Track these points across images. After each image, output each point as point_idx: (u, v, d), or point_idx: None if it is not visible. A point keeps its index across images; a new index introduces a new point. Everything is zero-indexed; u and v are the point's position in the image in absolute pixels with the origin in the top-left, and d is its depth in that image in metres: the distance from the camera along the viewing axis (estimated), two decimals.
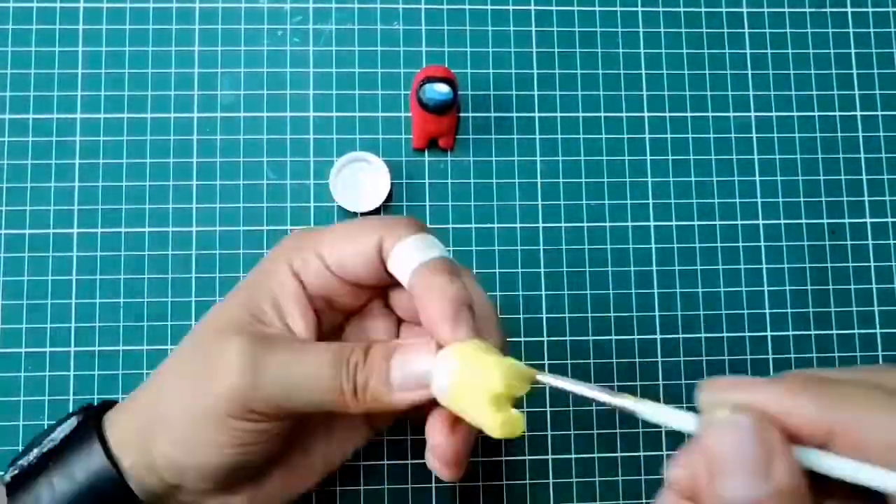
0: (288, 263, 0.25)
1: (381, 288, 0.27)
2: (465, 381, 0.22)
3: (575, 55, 0.38)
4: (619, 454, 0.35)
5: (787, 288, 0.37)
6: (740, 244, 0.37)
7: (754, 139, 0.38)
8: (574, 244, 0.36)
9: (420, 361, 0.23)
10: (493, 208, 0.36)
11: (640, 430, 0.35)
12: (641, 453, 0.35)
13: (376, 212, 0.35)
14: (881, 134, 0.38)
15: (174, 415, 0.25)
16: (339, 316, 0.27)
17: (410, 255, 0.24)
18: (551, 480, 0.35)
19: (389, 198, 0.35)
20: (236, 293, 0.26)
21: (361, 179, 0.36)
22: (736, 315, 0.36)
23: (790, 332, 0.36)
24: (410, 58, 0.37)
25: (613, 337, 0.36)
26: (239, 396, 0.23)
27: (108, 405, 0.27)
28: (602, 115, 0.37)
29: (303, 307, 0.25)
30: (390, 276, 0.25)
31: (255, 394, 0.23)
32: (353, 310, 0.27)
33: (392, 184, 0.35)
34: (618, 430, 0.35)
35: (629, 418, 0.35)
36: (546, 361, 0.35)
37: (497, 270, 0.36)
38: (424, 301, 0.23)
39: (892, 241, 0.37)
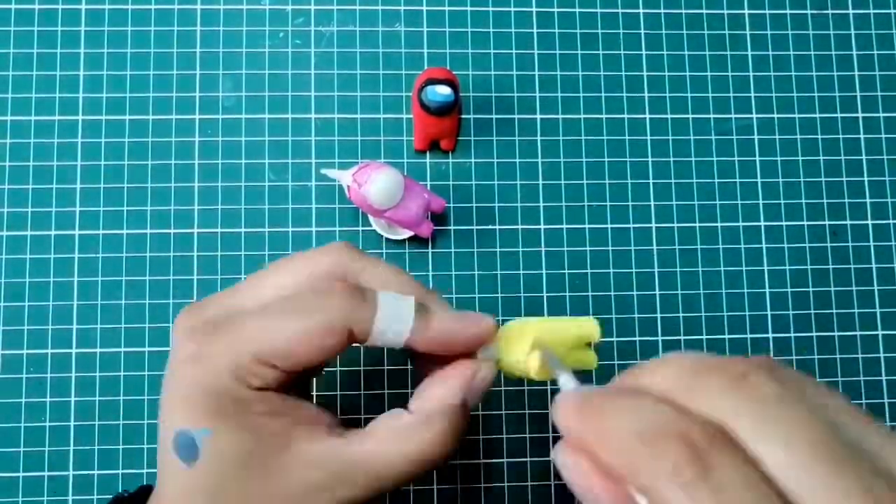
0: (247, 385, 0.23)
1: None
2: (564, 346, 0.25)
3: (576, 57, 0.38)
4: None
5: (789, 290, 0.37)
6: (742, 246, 0.37)
7: (756, 141, 0.38)
8: (576, 246, 0.36)
9: (480, 384, 0.25)
10: (495, 210, 0.36)
11: None
12: None
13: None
14: (882, 135, 0.38)
15: None
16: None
17: (392, 326, 0.23)
18: (552, 482, 0.35)
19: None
20: (210, 420, 0.23)
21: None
22: (737, 317, 0.36)
23: (792, 334, 0.36)
24: (412, 60, 0.37)
25: (615, 339, 0.36)
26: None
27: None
28: (604, 116, 0.37)
29: (277, 396, 0.24)
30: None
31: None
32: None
33: None
34: None
35: None
36: None
37: (499, 272, 0.36)
38: (446, 342, 0.24)
39: (893, 243, 0.37)
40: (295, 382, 0.24)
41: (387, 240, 0.36)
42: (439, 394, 0.25)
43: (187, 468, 0.22)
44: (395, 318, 0.24)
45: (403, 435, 0.24)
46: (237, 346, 0.23)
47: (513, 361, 0.24)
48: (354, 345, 0.24)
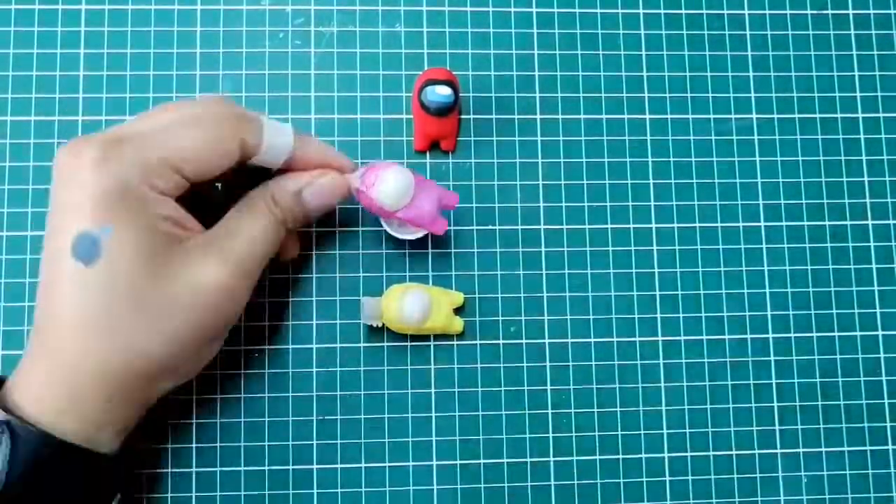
0: (149, 185, 0.26)
1: None
2: (434, 303, 0.34)
3: (577, 57, 0.38)
4: (619, 456, 0.35)
5: (789, 290, 0.37)
6: (742, 246, 0.37)
7: (756, 141, 0.38)
8: (576, 246, 0.36)
9: (328, 188, 0.31)
10: (495, 210, 0.36)
11: (642, 432, 0.35)
12: (643, 455, 0.35)
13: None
14: (883, 136, 0.38)
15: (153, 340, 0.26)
16: None
17: (276, 145, 0.29)
18: (552, 482, 0.35)
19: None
20: (113, 219, 0.25)
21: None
22: (737, 317, 0.36)
23: (792, 335, 0.36)
24: (412, 60, 0.37)
25: (615, 339, 0.36)
26: (246, 298, 0.29)
27: None
28: (604, 117, 0.37)
29: (176, 206, 0.27)
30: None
31: (243, 277, 0.29)
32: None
33: None
34: (619, 433, 0.35)
35: (632, 425, 0.35)
36: (548, 364, 0.35)
37: (499, 272, 0.36)
38: (320, 159, 0.31)
39: (893, 243, 0.37)
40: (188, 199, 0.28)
41: (386, 241, 0.36)
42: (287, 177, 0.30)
43: (86, 268, 0.24)
44: (279, 134, 0.29)
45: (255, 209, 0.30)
46: (145, 151, 0.25)
47: (394, 310, 0.33)
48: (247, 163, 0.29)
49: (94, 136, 0.26)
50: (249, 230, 0.29)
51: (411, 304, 0.33)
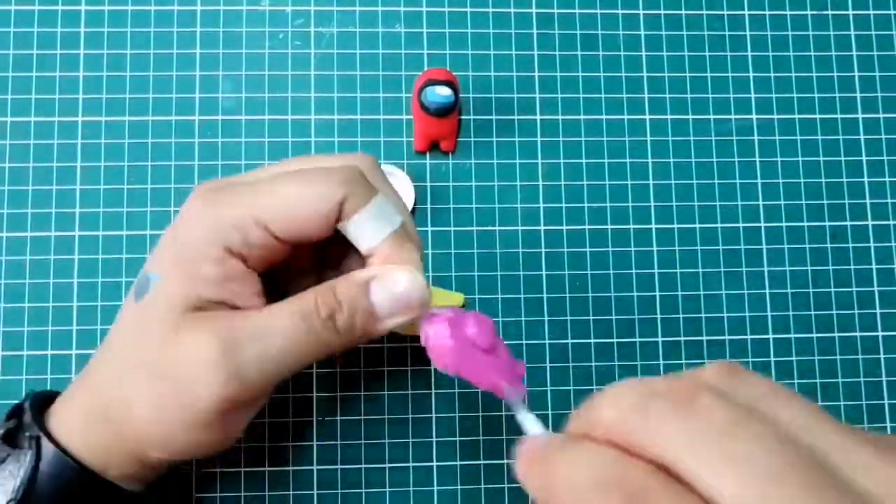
0: (223, 240, 0.23)
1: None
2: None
3: (576, 57, 0.38)
4: None
5: (789, 291, 0.37)
6: (742, 247, 0.37)
7: (756, 141, 0.38)
8: (576, 247, 0.36)
9: (406, 287, 0.24)
10: (495, 210, 0.36)
11: None
12: None
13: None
14: (882, 136, 0.38)
15: (148, 418, 0.24)
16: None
17: (373, 225, 0.24)
18: None
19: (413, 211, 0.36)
20: (170, 268, 0.24)
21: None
22: (738, 318, 0.36)
23: (792, 335, 0.36)
24: (412, 61, 0.37)
25: (615, 340, 0.36)
26: (227, 399, 0.23)
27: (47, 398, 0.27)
28: (604, 117, 0.37)
29: (250, 279, 0.24)
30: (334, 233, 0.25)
31: (242, 390, 0.23)
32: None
33: None
34: None
35: None
36: (548, 364, 0.35)
37: (499, 273, 0.36)
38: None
39: (893, 244, 0.37)
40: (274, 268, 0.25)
41: None
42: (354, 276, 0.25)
43: (133, 302, 0.25)
44: (380, 218, 0.24)
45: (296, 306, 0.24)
46: (235, 200, 0.24)
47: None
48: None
49: (209, 184, 0.26)
50: (274, 326, 0.23)
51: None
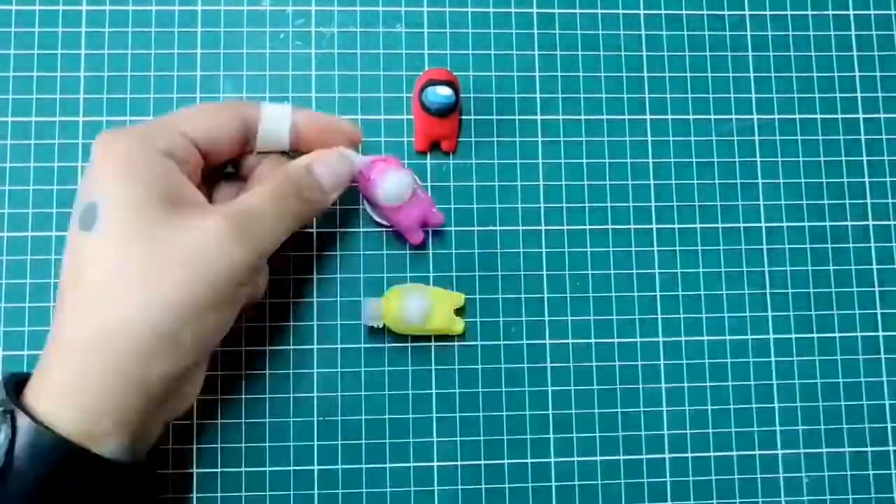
0: (159, 149, 0.27)
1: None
2: (435, 304, 0.35)
3: (577, 57, 0.38)
4: (620, 457, 0.35)
5: (790, 291, 0.37)
6: (742, 247, 0.37)
7: (757, 142, 0.38)
8: (576, 247, 0.36)
9: (336, 162, 0.31)
10: (496, 211, 0.36)
11: (643, 433, 0.35)
12: (644, 456, 0.35)
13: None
14: (883, 136, 0.38)
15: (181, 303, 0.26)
16: None
17: (276, 114, 0.31)
18: (553, 483, 0.35)
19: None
20: (116, 186, 0.26)
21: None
22: (738, 318, 0.36)
23: (793, 335, 0.36)
24: (413, 61, 0.37)
25: (616, 340, 0.36)
26: (250, 265, 0.27)
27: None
28: (604, 117, 0.37)
29: (189, 179, 0.28)
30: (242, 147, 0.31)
31: (258, 259, 0.28)
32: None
33: None
34: (620, 434, 0.35)
35: (632, 425, 0.35)
36: (549, 364, 0.35)
37: (500, 273, 0.36)
38: (325, 129, 0.32)
39: (894, 244, 0.37)
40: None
41: (388, 239, 0.36)
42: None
43: (86, 234, 0.25)
44: (277, 108, 0.31)
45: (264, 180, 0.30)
46: (160, 126, 0.28)
47: (395, 310, 0.33)
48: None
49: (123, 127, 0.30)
50: (261, 195, 0.29)
51: (411, 305, 0.33)
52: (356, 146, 0.33)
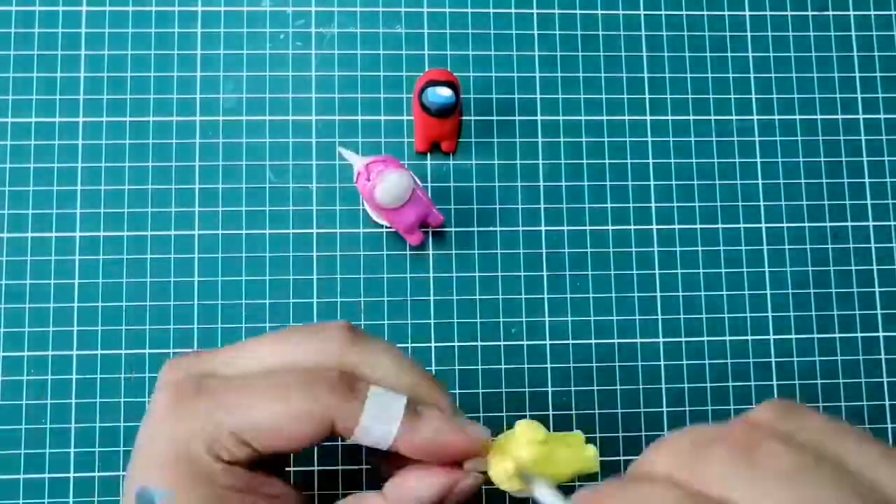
0: (215, 456, 0.22)
1: None
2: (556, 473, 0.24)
3: (577, 58, 0.38)
4: (621, 458, 0.35)
5: (790, 291, 0.37)
6: (742, 248, 0.37)
7: (757, 142, 0.38)
8: (576, 247, 0.36)
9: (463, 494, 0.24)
10: (496, 211, 0.36)
11: (643, 434, 0.35)
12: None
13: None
14: (883, 137, 0.38)
15: None
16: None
17: (379, 426, 0.22)
18: None
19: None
20: (178, 482, 0.22)
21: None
22: (738, 318, 0.36)
23: (793, 336, 0.36)
24: (413, 61, 0.37)
25: (616, 340, 0.36)
26: None
27: None
28: (604, 118, 0.37)
29: (260, 478, 0.23)
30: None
31: None
32: None
33: None
34: (620, 434, 0.35)
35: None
36: (549, 365, 0.35)
37: (500, 274, 0.36)
38: (434, 451, 0.23)
39: (894, 245, 0.37)
40: (269, 459, 0.24)
41: (388, 239, 0.36)
42: (416, 486, 0.23)
43: None
44: (381, 419, 0.22)
45: None
46: (216, 415, 0.22)
47: (500, 479, 0.24)
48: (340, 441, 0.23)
49: (181, 370, 0.23)
50: None
51: (530, 491, 0.24)
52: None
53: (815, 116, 0.38)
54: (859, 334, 0.37)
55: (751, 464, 0.14)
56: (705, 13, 0.39)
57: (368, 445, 0.23)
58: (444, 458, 0.24)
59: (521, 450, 0.24)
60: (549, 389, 0.35)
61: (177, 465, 0.22)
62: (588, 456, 0.24)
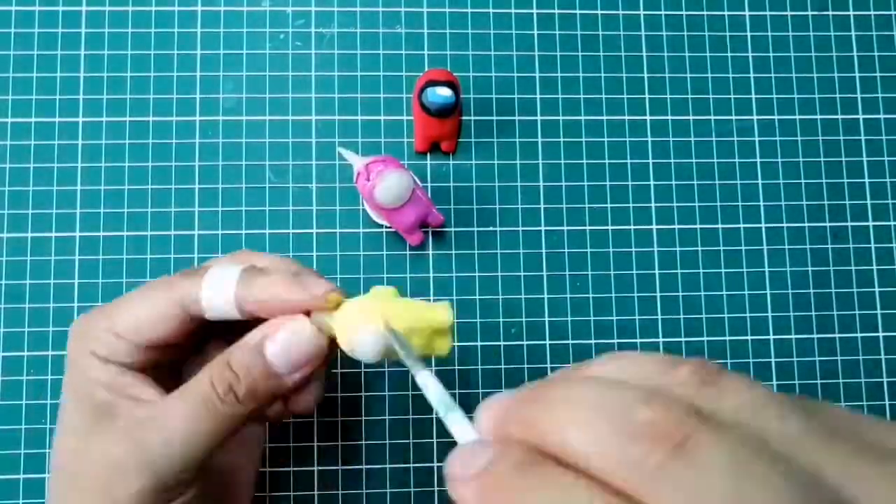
0: (90, 352, 0.25)
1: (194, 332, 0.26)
2: (408, 325, 0.24)
3: (577, 58, 0.38)
4: None
5: (790, 291, 0.37)
6: (742, 247, 0.37)
7: (756, 142, 0.38)
8: (576, 247, 0.36)
9: (297, 339, 0.24)
10: (496, 211, 0.36)
11: None
12: None
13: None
14: (883, 137, 0.38)
15: None
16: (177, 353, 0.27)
17: (215, 295, 0.25)
18: None
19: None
20: (65, 388, 0.26)
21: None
22: (738, 318, 0.36)
23: (793, 336, 0.36)
24: (412, 61, 0.37)
25: (616, 340, 0.36)
26: (145, 491, 0.23)
27: None
28: (604, 118, 0.37)
29: (138, 380, 0.25)
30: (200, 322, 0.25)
31: (158, 481, 0.23)
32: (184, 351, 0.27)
33: None
34: None
35: None
36: (548, 365, 0.35)
37: (500, 274, 0.36)
38: (276, 298, 0.24)
39: (894, 244, 0.37)
40: (161, 364, 0.26)
41: (388, 239, 0.36)
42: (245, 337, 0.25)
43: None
44: (218, 288, 0.24)
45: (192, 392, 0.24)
46: (100, 322, 0.25)
47: (344, 342, 0.23)
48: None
49: (88, 314, 0.26)
50: (174, 415, 0.23)
51: (364, 343, 0.24)
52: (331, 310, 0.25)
53: (815, 116, 0.38)
54: (859, 334, 0.37)
55: (686, 467, 0.13)
56: (705, 13, 0.39)
57: (224, 317, 0.25)
58: (290, 313, 0.25)
59: (365, 306, 0.24)
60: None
61: (67, 376, 0.25)
62: (441, 311, 0.24)
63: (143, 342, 0.25)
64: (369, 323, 0.23)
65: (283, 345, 0.24)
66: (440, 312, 0.24)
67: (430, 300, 0.35)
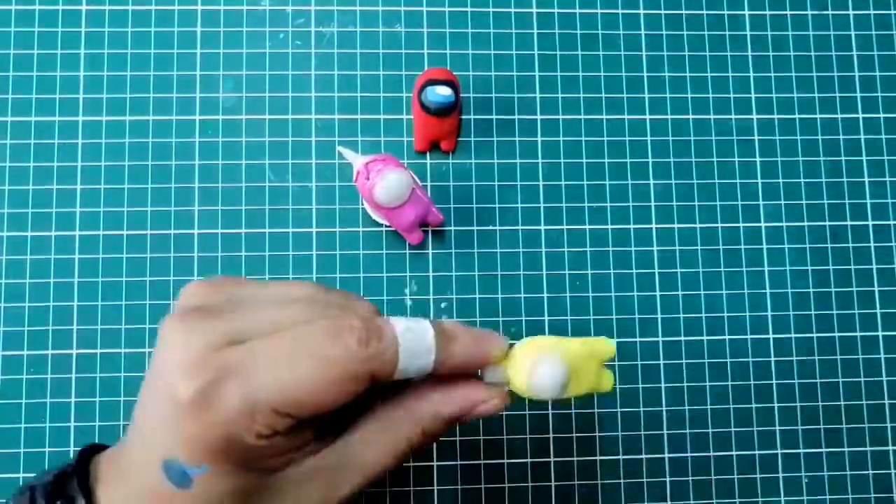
0: (254, 434, 0.21)
1: None
2: (577, 364, 0.25)
3: (577, 57, 0.38)
4: (620, 457, 0.35)
5: (789, 290, 0.37)
6: (742, 247, 0.37)
7: (756, 141, 0.38)
8: (576, 247, 0.36)
9: (486, 408, 0.25)
10: (496, 211, 0.36)
11: (643, 433, 0.35)
12: (643, 456, 0.35)
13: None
14: (883, 136, 0.38)
15: None
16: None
17: (416, 368, 0.22)
18: (553, 483, 0.35)
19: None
20: (210, 457, 0.21)
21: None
22: (738, 318, 0.36)
23: (792, 335, 0.36)
24: (412, 60, 0.37)
25: (615, 340, 0.36)
26: None
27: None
28: (604, 117, 0.37)
29: (294, 438, 0.22)
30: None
31: None
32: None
33: None
34: (619, 433, 0.35)
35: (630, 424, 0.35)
36: None
37: (499, 273, 0.36)
38: (465, 368, 0.24)
39: (893, 244, 0.37)
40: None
41: (387, 238, 0.36)
42: (439, 401, 0.24)
43: (176, 490, 0.21)
44: (416, 354, 0.22)
45: (391, 431, 0.24)
46: (252, 398, 0.20)
47: (523, 381, 0.24)
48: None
49: (203, 330, 0.21)
50: (375, 459, 0.23)
51: (543, 376, 0.24)
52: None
53: (814, 115, 0.38)
54: (859, 334, 0.37)
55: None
56: (705, 13, 0.39)
57: (409, 376, 0.23)
58: (471, 370, 0.24)
59: (541, 343, 0.24)
60: None
61: (210, 448, 0.20)
62: (604, 343, 0.25)
63: (313, 415, 0.21)
64: (547, 357, 0.24)
65: (454, 408, 0.24)
66: (604, 344, 0.25)
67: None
